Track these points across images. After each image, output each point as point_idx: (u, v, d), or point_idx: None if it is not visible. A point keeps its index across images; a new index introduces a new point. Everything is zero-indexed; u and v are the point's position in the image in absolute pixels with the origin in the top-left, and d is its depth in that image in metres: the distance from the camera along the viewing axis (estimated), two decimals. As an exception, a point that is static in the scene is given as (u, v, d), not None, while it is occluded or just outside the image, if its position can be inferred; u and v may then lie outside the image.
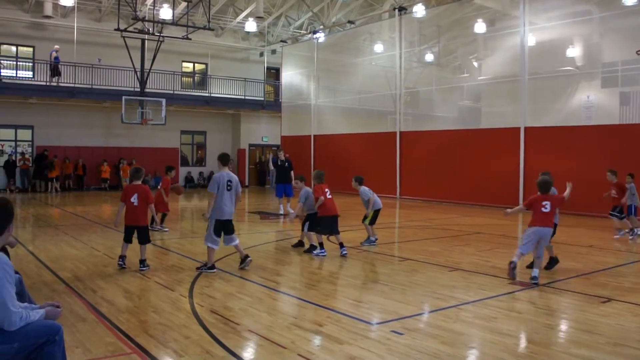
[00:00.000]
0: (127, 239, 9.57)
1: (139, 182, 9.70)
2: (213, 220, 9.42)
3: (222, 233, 9.54)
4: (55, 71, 29.09)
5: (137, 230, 9.54)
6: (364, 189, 12.63)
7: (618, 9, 20.69)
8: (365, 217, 12.71)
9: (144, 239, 9.59)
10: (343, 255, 11.05)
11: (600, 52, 22.98)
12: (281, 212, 18.84)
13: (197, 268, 9.53)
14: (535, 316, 7.10)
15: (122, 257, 9.59)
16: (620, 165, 18.60)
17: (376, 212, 12.71)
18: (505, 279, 9.01)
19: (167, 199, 14.43)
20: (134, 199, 9.41)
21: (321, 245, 11.21)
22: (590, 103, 21.62)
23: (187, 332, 6.20)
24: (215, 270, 9.38)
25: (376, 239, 12.73)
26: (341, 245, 11.19)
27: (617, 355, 5.67)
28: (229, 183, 9.41)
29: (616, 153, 18.96)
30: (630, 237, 13.60)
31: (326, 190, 11.29)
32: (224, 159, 9.68)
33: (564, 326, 6.94)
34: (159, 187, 14.66)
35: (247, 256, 9.70)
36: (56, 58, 29.02)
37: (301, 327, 6.43)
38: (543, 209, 9.06)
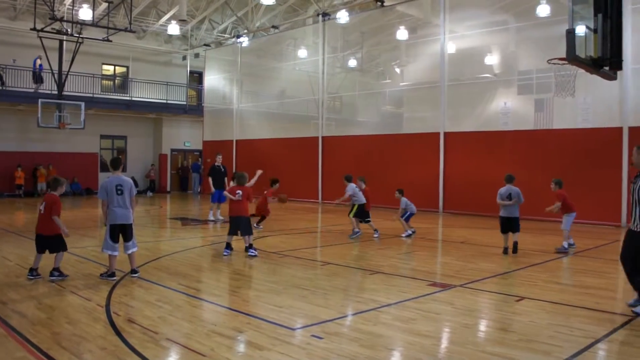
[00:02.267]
0: (39, 249, 9.17)
1: (54, 192, 9.28)
2: (107, 225, 9.21)
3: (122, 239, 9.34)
4: None
5: (46, 239, 9.13)
6: (351, 185, 14.51)
7: (532, 20, 21.42)
8: (350, 211, 14.63)
9: (55, 248, 9.18)
10: (248, 256, 11.35)
11: (517, 61, 23.70)
12: (211, 217, 18.50)
13: (100, 275, 9.23)
14: (453, 316, 7.22)
15: (35, 269, 9.16)
16: (535, 169, 19.31)
17: (360, 206, 14.42)
18: (425, 281, 9.15)
19: (269, 206, 16.46)
20: (41, 207, 9.08)
21: (227, 245, 11.80)
22: (507, 109, 22.29)
23: (103, 343, 5.97)
24: (115, 277, 9.08)
25: (377, 234, 14.72)
26: (248, 247, 11.53)
27: (530, 351, 5.83)
28: (118, 187, 9.17)
29: (531, 157, 19.62)
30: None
31: (237, 192, 11.58)
32: (114, 163, 9.54)
33: (480, 325, 7.08)
34: (265, 192, 16.31)
35: (135, 270, 9.43)
36: None
37: (221, 334, 6.32)
38: None
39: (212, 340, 6.09)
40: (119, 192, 9.17)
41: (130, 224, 9.36)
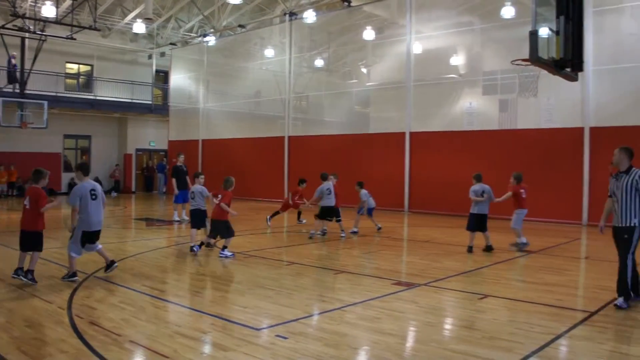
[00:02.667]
0: (23, 247, 8.88)
1: (36, 185, 8.95)
2: (80, 231, 9.00)
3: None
4: None
5: (27, 235, 8.83)
6: (321, 186, 14.62)
7: (497, 21, 21.70)
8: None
9: (32, 246, 8.85)
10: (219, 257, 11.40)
11: (482, 61, 23.98)
12: (175, 218, 18.31)
13: (62, 278, 9.05)
14: (417, 315, 7.28)
15: (20, 269, 8.83)
16: (500, 169, 19.54)
17: (323, 209, 14.42)
18: (390, 280, 9.20)
19: (297, 201, 16.69)
20: (26, 202, 8.78)
21: (201, 243, 12.02)
22: (472, 109, 22.55)
23: (65, 346, 5.85)
24: (77, 278, 8.94)
25: (325, 232, 14.88)
26: (222, 248, 11.56)
27: (492, 348, 5.90)
28: (92, 192, 9.02)
29: (496, 157, 19.86)
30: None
31: (218, 195, 11.64)
32: (84, 169, 9.36)
33: (443, 323, 7.14)
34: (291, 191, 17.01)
35: (113, 261, 9.39)
36: None
37: (185, 335, 6.26)
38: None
39: (176, 341, 6.03)
40: (94, 197, 9.01)
41: (100, 229, 9.29)
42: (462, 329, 6.79)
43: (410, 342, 6.34)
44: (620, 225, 7.63)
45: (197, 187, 12.41)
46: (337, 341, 6.09)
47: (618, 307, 7.46)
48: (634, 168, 7.73)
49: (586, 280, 10.26)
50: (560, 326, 6.67)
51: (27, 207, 8.77)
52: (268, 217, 17.31)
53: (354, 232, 15.24)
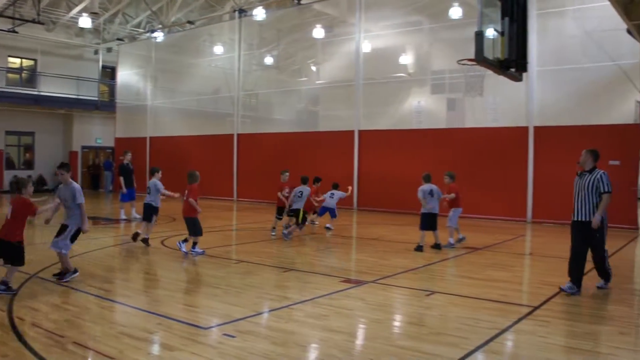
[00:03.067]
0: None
1: (20, 194, 8.37)
2: (75, 227, 9.05)
3: None
4: None
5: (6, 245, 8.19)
6: (295, 189, 14.13)
7: (445, 21, 21.97)
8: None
9: (12, 259, 8.20)
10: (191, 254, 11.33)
11: (430, 61, 24.25)
12: (123, 217, 17.98)
13: (60, 279, 8.70)
14: (365, 312, 7.32)
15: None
16: (448, 167, 19.80)
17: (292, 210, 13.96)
18: (338, 277, 9.23)
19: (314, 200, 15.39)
20: (8, 212, 8.23)
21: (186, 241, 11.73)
22: (421, 108, 22.81)
23: (5, 349, 5.67)
24: (77, 273, 8.90)
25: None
26: (192, 245, 11.49)
27: (438, 343, 5.97)
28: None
29: (444, 155, 20.12)
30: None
31: (185, 191, 11.54)
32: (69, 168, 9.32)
33: (391, 320, 7.20)
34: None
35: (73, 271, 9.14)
36: None
37: (131, 335, 6.14)
38: None
39: (122, 342, 5.91)
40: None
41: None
42: (409, 326, 6.87)
43: (358, 339, 6.37)
44: (583, 219, 8.29)
45: (153, 180, 12.54)
46: (285, 339, 6.07)
47: (600, 288, 8.53)
48: (597, 169, 8.42)
49: (530, 276, 10.49)
50: (505, 321, 6.79)
51: (8, 217, 8.22)
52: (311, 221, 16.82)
53: (328, 228, 15.58)
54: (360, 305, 7.63)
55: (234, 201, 26.32)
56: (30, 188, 8.59)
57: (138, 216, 17.59)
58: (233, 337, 6.10)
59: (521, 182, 18.80)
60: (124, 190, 17.68)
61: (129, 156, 18.42)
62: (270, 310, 7.34)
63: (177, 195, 12.31)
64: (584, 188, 8.37)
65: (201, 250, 11.37)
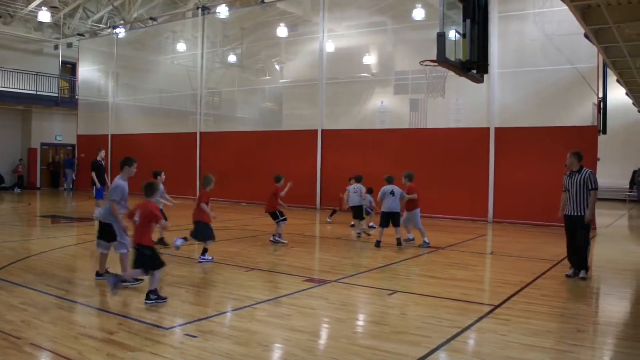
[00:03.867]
0: None
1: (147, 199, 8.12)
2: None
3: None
4: None
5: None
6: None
7: (408, 22, 22.15)
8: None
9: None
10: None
11: (393, 61, 24.41)
12: (96, 214, 17.70)
13: (121, 281, 7.99)
14: (328, 311, 7.33)
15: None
16: (410, 167, 19.98)
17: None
18: (301, 277, 9.24)
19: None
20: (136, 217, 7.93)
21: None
22: (384, 108, 22.95)
23: (-43, 351, 5.56)
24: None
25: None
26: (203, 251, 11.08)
27: (400, 342, 6.02)
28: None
29: (406, 155, 20.28)
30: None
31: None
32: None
33: (353, 319, 7.22)
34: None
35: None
36: None
37: (90, 336, 6.06)
38: None
39: (81, 343, 5.82)
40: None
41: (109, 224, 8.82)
42: (371, 325, 6.91)
43: (320, 339, 6.38)
44: (576, 214, 9.42)
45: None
46: (247, 339, 6.05)
47: (584, 279, 9.36)
48: (584, 168, 9.56)
49: (491, 275, 10.63)
50: (466, 319, 6.88)
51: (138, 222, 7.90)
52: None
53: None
54: (322, 305, 7.64)
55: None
56: (157, 195, 8.68)
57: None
58: (195, 337, 6.06)
59: (482, 182, 19.05)
60: (98, 186, 17.56)
61: (102, 154, 18.63)
62: (232, 310, 7.31)
63: (171, 204, 12.29)
64: (575, 185, 9.45)
65: (210, 257, 10.89)
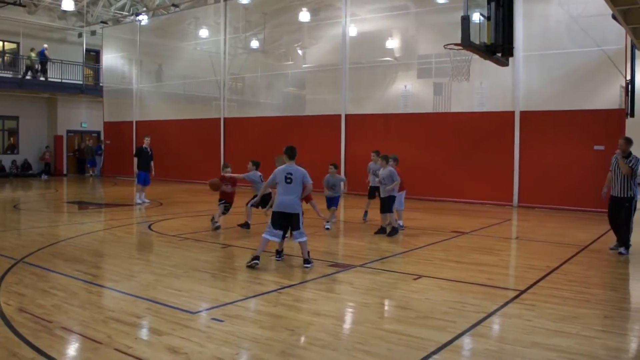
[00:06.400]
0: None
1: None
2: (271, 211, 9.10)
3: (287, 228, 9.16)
4: None
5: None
6: (255, 172, 13.27)
7: (431, 5, 21.97)
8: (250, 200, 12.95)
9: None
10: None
11: (416, 45, 24.20)
12: (138, 200, 17.89)
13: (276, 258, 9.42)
14: (353, 296, 7.36)
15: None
16: (434, 151, 19.93)
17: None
18: (326, 262, 9.27)
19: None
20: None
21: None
22: (408, 92, 22.81)
23: (-8, 335, 5.66)
24: (257, 261, 8.82)
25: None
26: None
27: (425, 327, 6.02)
28: (288, 176, 8.94)
29: (430, 139, 20.19)
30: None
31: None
32: (291, 153, 9.22)
33: (378, 304, 7.23)
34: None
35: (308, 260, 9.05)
36: None
37: (119, 320, 6.13)
38: None
39: (110, 327, 5.90)
40: (288, 180, 8.93)
41: (297, 214, 8.99)
42: (396, 309, 6.92)
43: (345, 323, 6.41)
44: (621, 196, 10.26)
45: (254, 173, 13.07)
46: (273, 323, 6.10)
47: (621, 254, 10.14)
48: (633, 154, 10.23)
49: (516, 260, 10.58)
50: (492, 305, 6.86)
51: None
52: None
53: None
54: (348, 289, 7.67)
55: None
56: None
57: (147, 200, 17.70)
58: (221, 321, 6.12)
59: (507, 167, 18.90)
60: (136, 171, 18.16)
61: (147, 140, 18.64)
62: (258, 295, 7.35)
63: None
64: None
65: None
